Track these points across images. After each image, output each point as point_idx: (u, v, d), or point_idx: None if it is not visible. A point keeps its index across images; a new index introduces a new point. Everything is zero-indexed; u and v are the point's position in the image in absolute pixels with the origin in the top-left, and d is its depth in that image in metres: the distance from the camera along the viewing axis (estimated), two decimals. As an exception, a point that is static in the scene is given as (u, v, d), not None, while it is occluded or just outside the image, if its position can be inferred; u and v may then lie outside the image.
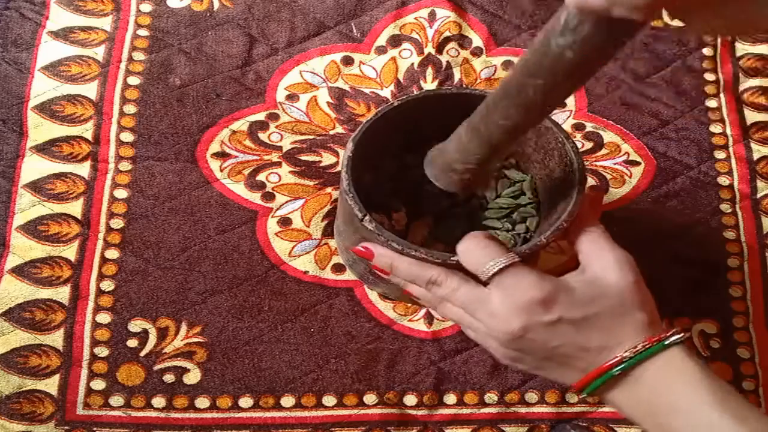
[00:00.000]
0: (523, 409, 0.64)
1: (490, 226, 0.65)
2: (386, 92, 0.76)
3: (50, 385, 0.62)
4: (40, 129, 0.71)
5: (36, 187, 0.69)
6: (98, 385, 0.62)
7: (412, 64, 0.77)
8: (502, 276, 0.48)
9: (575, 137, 0.75)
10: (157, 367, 0.63)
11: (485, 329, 0.49)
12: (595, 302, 0.48)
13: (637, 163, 0.74)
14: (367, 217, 0.56)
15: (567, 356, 0.48)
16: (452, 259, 0.55)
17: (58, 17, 0.76)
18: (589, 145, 0.75)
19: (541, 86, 0.45)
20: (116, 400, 0.62)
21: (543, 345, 0.48)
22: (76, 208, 0.68)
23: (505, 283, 0.48)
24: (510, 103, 0.48)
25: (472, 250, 0.50)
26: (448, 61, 0.77)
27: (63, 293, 0.65)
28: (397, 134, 0.63)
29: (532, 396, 0.64)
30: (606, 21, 0.39)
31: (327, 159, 0.72)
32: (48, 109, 0.72)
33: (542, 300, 0.47)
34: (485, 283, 0.50)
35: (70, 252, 0.67)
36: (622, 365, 0.46)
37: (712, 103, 0.78)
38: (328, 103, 0.75)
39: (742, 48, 0.80)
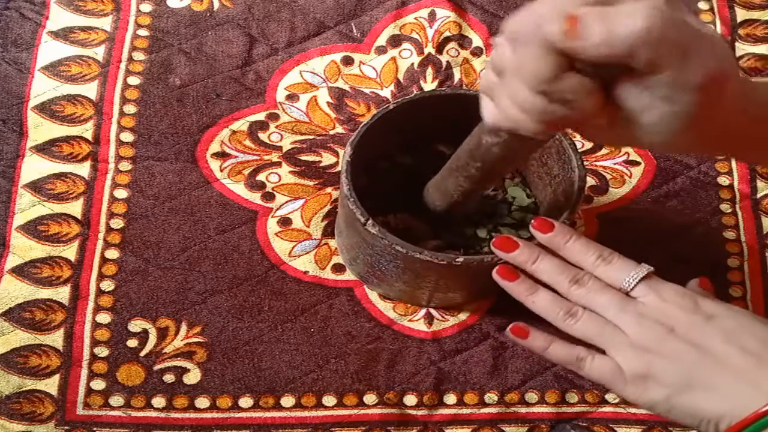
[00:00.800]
0: (523, 409, 0.64)
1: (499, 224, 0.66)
2: (386, 92, 0.76)
3: (50, 385, 0.62)
4: (40, 129, 0.71)
5: (36, 187, 0.69)
6: (98, 385, 0.62)
7: (412, 64, 0.77)
8: (644, 283, 0.48)
9: (575, 137, 0.75)
10: (157, 367, 0.63)
11: (626, 339, 0.47)
12: (741, 311, 0.46)
13: (637, 163, 0.74)
14: (369, 221, 0.56)
15: (718, 364, 0.44)
16: (458, 260, 0.55)
17: (58, 17, 0.76)
18: (589, 145, 0.75)
19: (479, 167, 0.53)
20: (116, 400, 0.62)
21: (696, 344, 0.44)
22: (76, 208, 0.68)
23: (653, 288, 0.48)
24: (460, 175, 0.56)
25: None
26: (448, 61, 0.77)
27: (63, 293, 0.65)
28: (395, 136, 0.63)
29: (532, 396, 0.64)
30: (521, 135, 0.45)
31: (327, 159, 0.72)
32: (48, 109, 0.72)
33: (693, 298, 0.46)
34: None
35: (70, 252, 0.67)
36: None
37: (712, 103, 0.78)
38: (328, 103, 0.75)
39: (742, 48, 0.80)
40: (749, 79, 0.47)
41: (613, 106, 0.41)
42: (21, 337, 0.63)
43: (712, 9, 0.81)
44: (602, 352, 0.49)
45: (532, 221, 0.54)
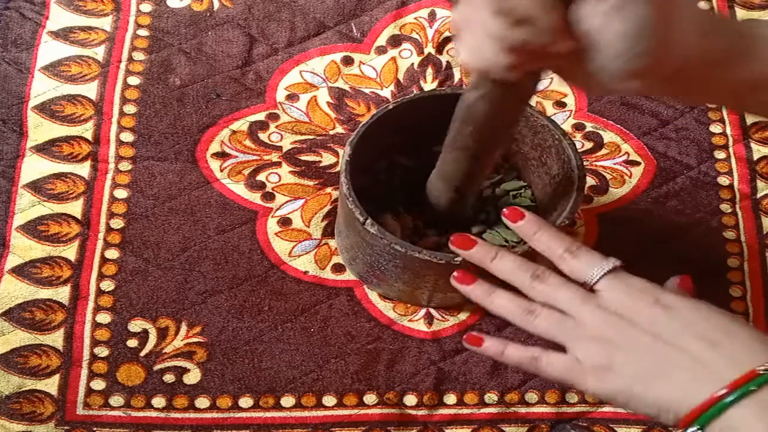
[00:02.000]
0: (523, 409, 0.64)
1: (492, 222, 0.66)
2: (386, 92, 0.76)
3: (50, 385, 0.62)
4: (40, 129, 0.71)
5: (36, 187, 0.69)
6: (98, 385, 0.62)
7: (412, 64, 0.77)
8: (609, 276, 0.47)
9: (575, 137, 0.75)
10: (157, 367, 0.63)
11: (586, 331, 0.46)
12: (700, 303, 0.46)
13: (637, 163, 0.74)
14: (368, 221, 0.56)
15: (676, 354, 0.43)
16: (456, 260, 0.55)
17: (58, 17, 0.77)
18: (589, 145, 0.75)
19: (471, 133, 0.52)
20: (116, 400, 0.62)
21: (655, 335, 0.44)
22: (76, 208, 0.68)
23: (616, 281, 0.47)
24: (455, 148, 0.54)
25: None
26: (448, 61, 0.77)
27: (63, 293, 0.65)
28: (394, 136, 0.63)
29: (532, 396, 0.64)
30: (500, 80, 0.45)
31: (327, 159, 0.72)
32: (48, 109, 0.72)
33: (654, 292, 0.46)
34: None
35: (70, 252, 0.67)
36: (735, 393, 0.40)
37: (712, 103, 0.78)
38: (328, 103, 0.75)
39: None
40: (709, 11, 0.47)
41: (575, 30, 0.42)
42: (21, 337, 0.63)
43: (712, 9, 0.81)
44: (562, 349, 0.47)
45: (504, 210, 0.53)
